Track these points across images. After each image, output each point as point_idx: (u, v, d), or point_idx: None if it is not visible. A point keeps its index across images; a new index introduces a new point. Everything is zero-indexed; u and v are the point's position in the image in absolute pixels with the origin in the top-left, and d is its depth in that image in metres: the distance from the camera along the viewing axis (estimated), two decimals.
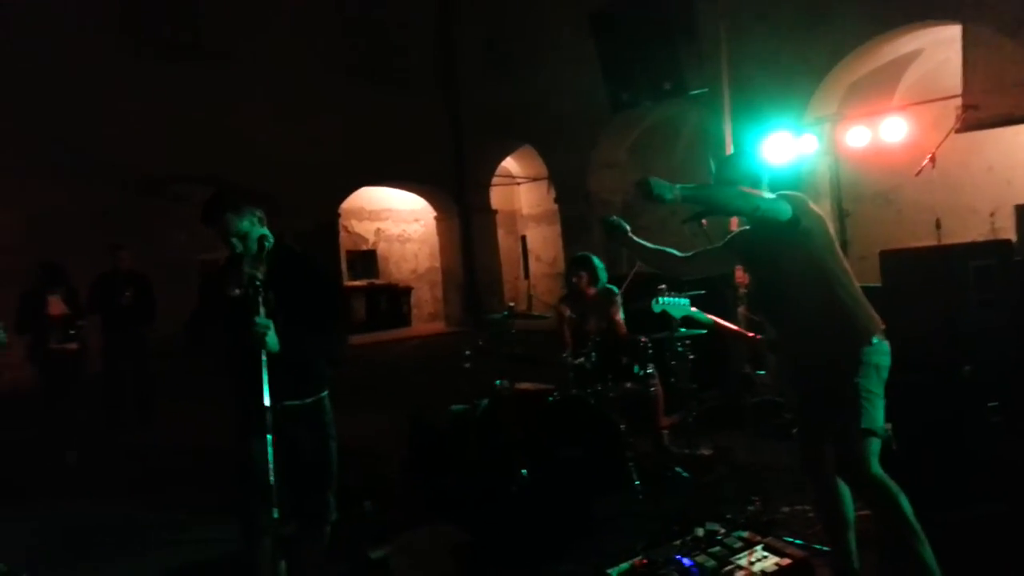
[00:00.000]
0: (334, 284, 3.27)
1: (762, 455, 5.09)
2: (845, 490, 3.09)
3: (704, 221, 3.48)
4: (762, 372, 3.49)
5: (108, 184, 11.05)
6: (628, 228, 3.29)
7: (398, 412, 6.16)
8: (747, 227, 3.27)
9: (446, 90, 15.36)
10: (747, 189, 3.02)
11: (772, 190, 3.23)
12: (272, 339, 2.79)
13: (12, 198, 10.16)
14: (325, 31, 13.60)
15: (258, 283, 2.81)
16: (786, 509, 4.08)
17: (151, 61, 11.77)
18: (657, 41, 6.87)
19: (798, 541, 3.55)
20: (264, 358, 2.76)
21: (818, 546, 3.47)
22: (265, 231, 3.04)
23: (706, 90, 6.96)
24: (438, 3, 15.39)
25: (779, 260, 3.04)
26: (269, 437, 2.70)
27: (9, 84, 10.34)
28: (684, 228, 3.56)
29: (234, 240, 2.98)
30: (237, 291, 2.85)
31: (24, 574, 3.88)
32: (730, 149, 7.21)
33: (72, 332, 7.06)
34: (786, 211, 2.93)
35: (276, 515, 2.73)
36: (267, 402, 2.73)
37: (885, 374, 2.96)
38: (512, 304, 5.17)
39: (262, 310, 2.78)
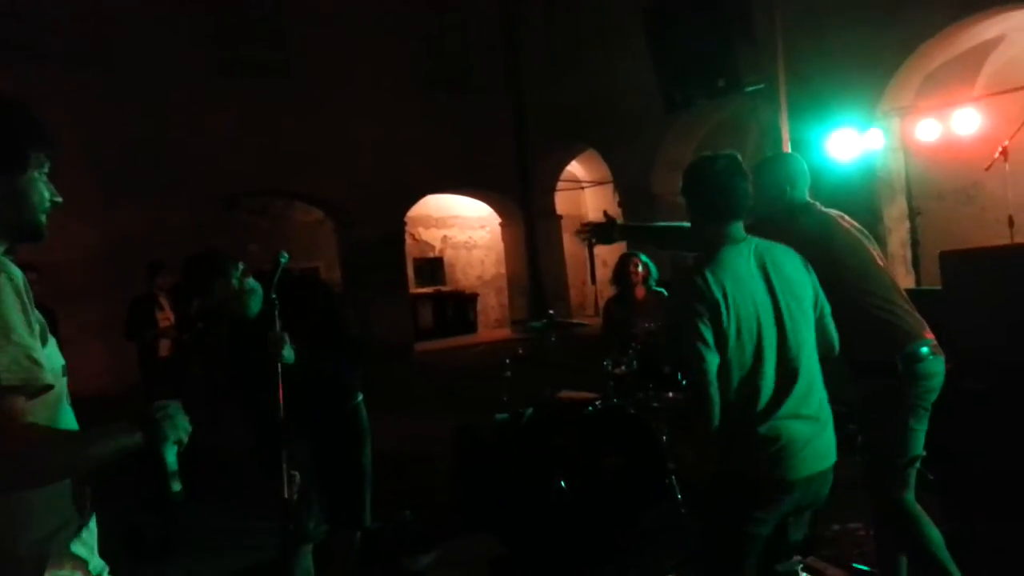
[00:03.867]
0: (334, 300, 3.27)
1: None
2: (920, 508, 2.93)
3: None
4: None
5: (188, 200, 11.47)
6: (616, 220, 3.23)
7: (453, 419, 6.17)
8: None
9: (511, 96, 15.39)
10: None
11: (818, 194, 3.09)
12: (288, 352, 2.81)
13: (94, 215, 10.65)
14: (392, 42, 13.81)
15: (274, 297, 2.84)
16: (836, 527, 3.89)
17: (228, 78, 12.19)
18: (711, 37, 6.67)
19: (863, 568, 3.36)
20: (281, 371, 2.78)
21: (863, 567, 3.28)
22: (252, 280, 3.06)
23: (762, 86, 6.72)
24: (503, 10, 15.43)
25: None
26: (283, 451, 2.72)
27: (92, 101, 10.86)
28: None
29: (232, 304, 3.01)
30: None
31: None
32: (788, 146, 6.95)
33: (185, 336, 7.21)
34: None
35: (291, 528, 2.75)
36: (282, 414, 2.75)
37: (923, 398, 2.76)
38: (552, 312, 5.10)
39: (278, 324, 2.81)
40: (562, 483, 4.42)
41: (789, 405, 2.22)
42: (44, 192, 1.57)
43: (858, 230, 2.98)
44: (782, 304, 2.29)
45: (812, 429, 2.26)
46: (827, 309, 2.45)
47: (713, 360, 2.19)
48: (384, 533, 4.18)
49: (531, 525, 4.31)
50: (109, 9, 10.97)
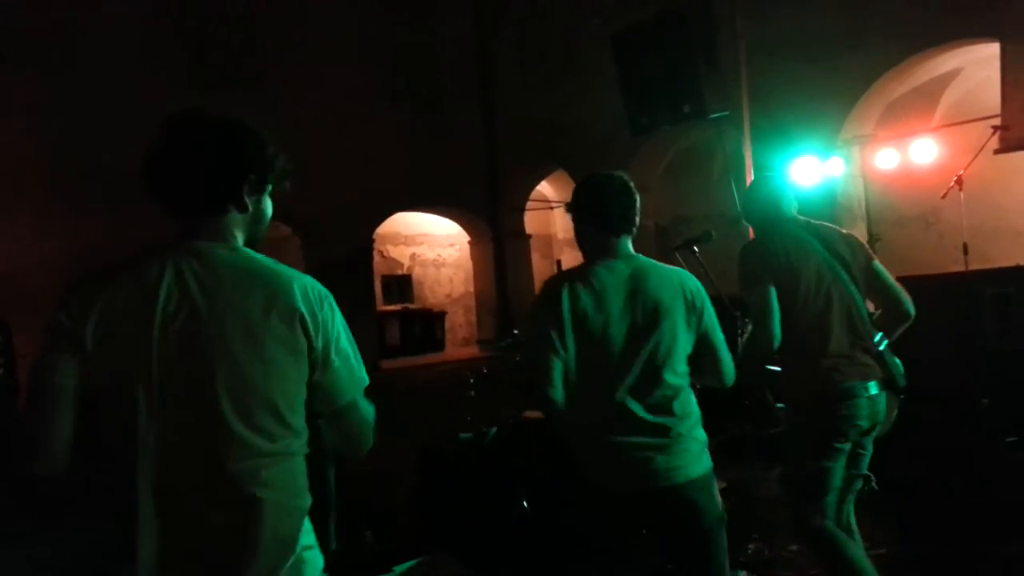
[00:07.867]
0: None
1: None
2: (841, 534, 2.96)
3: (696, 248, 3.42)
4: (781, 405, 3.38)
5: (155, 213, 11.21)
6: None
7: (418, 438, 6.13)
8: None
9: (481, 115, 15.47)
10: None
11: (801, 209, 3.18)
12: None
13: (54, 225, 10.45)
14: (364, 59, 13.81)
15: None
16: (794, 548, 3.92)
17: (196, 90, 12.05)
18: (677, 63, 6.82)
19: None
20: None
21: None
22: None
23: (727, 113, 6.87)
24: (475, 29, 15.55)
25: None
26: None
27: (56, 110, 10.69)
28: (676, 255, 3.50)
29: None
30: None
31: None
32: (751, 172, 7.08)
33: None
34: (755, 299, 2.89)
35: None
36: None
37: (838, 436, 2.78)
38: (516, 332, 5.11)
39: None
40: (524, 503, 4.41)
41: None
42: (271, 208, 1.84)
43: (845, 242, 3.03)
44: (638, 321, 2.37)
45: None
46: (715, 341, 2.50)
47: (557, 365, 2.34)
48: (344, 554, 4.13)
49: (493, 546, 4.29)
50: (76, 17, 10.84)
